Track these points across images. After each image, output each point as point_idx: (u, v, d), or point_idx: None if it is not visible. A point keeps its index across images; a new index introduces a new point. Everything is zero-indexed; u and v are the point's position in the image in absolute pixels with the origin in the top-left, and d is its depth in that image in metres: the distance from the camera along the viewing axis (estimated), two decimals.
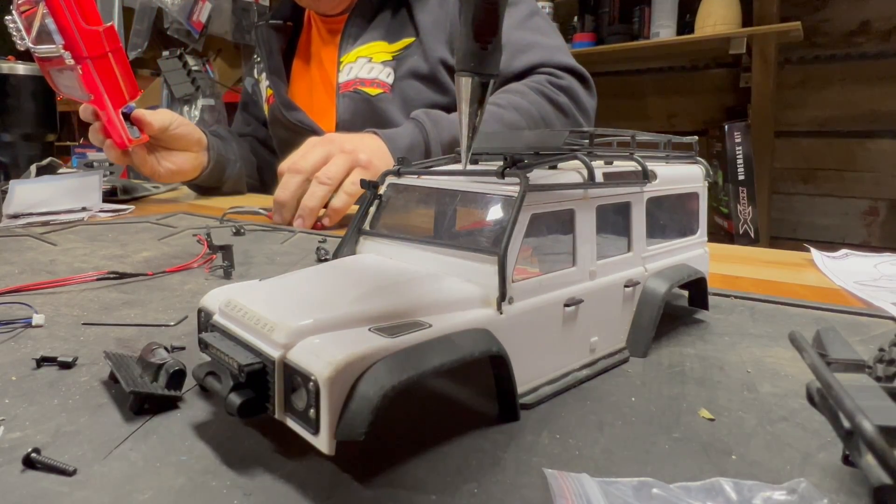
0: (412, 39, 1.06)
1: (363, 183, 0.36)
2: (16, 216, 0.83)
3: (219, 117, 2.03)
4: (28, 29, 0.76)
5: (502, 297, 0.27)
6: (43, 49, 0.75)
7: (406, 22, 1.07)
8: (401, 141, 0.86)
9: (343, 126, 1.06)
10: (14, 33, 0.76)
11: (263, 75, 1.21)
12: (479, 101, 0.26)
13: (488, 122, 0.85)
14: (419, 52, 1.04)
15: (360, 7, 1.09)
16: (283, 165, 0.82)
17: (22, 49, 0.77)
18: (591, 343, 0.32)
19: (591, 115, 1.03)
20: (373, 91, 1.05)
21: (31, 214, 0.84)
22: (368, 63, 1.07)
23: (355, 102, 1.06)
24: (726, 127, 1.85)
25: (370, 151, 0.82)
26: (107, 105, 0.83)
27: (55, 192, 0.90)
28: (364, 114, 1.05)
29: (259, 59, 1.25)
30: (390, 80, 1.05)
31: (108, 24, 0.78)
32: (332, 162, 0.79)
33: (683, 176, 0.40)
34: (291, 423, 0.23)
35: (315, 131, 1.07)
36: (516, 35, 1.01)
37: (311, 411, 0.21)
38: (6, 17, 0.76)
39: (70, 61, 0.76)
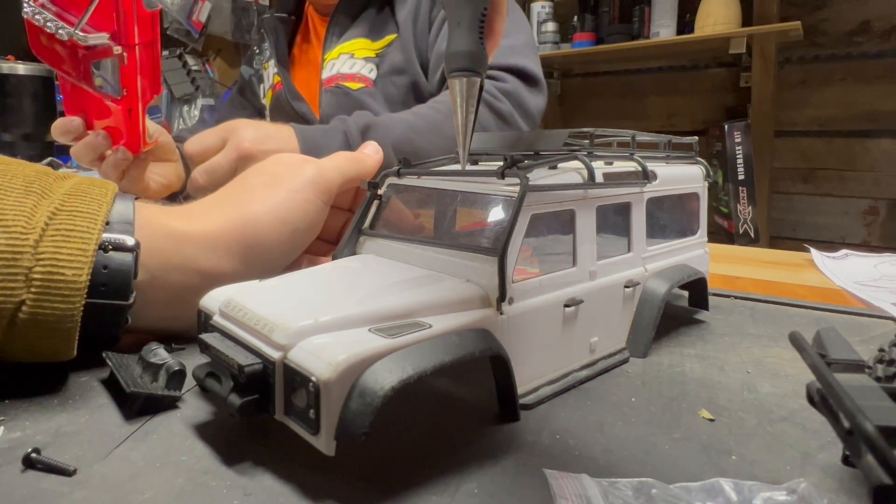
0: (394, 36, 1.06)
1: (363, 183, 0.36)
2: None
3: (219, 117, 2.03)
4: (62, 16, 0.70)
5: (502, 297, 0.27)
6: (93, 37, 0.70)
7: (389, 19, 1.07)
8: (313, 130, 0.82)
9: (327, 121, 1.05)
10: (47, 24, 0.70)
11: (272, 62, 1.21)
12: (468, 100, 0.26)
13: (425, 133, 0.85)
14: (399, 49, 1.05)
15: (344, 4, 1.10)
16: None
17: (64, 38, 0.71)
18: (591, 343, 0.32)
19: (535, 117, 1.00)
20: (354, 85, 1.05)
21: None
22: (350, 59, 1.07)
23: (337, 97, 1.06)
24: (726, 127, 1.85)
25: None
26: (138, 101, 0.77)
27: None
28: (345, 108, 1.04)
29: (259, 50, 1.26)
30: (373, 75, 1.05)
31: (156, 7, 0.73)
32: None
33: (683, 176, 0.40)
34: (291, 424, 0.23)
35: (311, 123, 1.07)
36: None
37: (311, 412, 0.21)
38: (25, 10, 0.71)
39: (118, 49, 0.71)
